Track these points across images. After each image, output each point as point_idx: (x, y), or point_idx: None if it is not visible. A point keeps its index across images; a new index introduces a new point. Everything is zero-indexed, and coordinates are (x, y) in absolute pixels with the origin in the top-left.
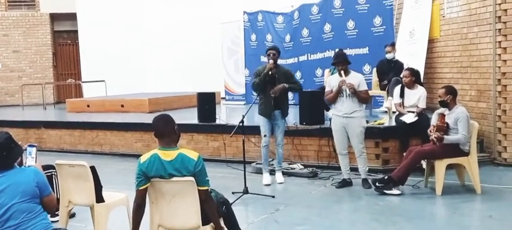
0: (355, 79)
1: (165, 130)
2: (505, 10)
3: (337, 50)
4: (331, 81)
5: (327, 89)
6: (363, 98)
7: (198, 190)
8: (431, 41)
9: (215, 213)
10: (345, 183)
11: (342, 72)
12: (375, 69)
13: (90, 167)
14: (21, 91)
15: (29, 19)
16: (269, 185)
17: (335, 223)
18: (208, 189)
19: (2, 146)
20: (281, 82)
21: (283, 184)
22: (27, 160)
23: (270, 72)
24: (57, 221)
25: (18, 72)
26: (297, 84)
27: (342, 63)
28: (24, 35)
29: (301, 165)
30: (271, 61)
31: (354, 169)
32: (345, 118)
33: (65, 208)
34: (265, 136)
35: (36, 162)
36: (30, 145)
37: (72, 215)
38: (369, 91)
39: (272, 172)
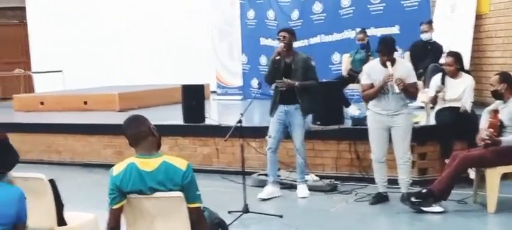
0: (403, 70)
1: (139, 133)
2: None
3: (358, 29)
4: (371, 71)
5: (364, 81)
6: (412, 93)
7: (188, 208)
8: (478, 17)
9: None
10: (381, 198)
11: (389, 63)
12: (407, 53)
13: (49, 180)
14: None
15: None
16: (265, 200)
17: None
18: (200, 207)
19: None
20: (298, 73)
21: (297, 200)
22: None
23: (276, 57)
24: None
25: None
26: (314, 80)
27: (388, 52)
28: None
29: (316, 175)
30: (281, 44)
31: (390, 181)
32: (389, 117)
33: None
34: (269, 137)
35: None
36: None
37: None
38: None
39: (285, 185)
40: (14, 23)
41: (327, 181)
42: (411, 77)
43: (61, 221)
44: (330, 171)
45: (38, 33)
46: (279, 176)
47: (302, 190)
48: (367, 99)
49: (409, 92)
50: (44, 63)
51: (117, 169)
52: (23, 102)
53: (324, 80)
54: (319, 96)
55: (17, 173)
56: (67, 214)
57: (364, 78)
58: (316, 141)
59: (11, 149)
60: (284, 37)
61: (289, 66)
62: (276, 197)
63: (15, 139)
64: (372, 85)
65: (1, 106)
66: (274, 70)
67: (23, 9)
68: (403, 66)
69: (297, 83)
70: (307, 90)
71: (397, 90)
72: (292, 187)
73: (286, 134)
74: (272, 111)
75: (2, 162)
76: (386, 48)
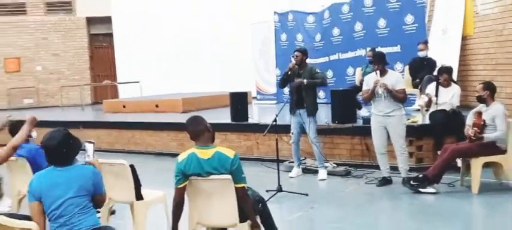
0: (391, 78)
1: (198, 130)
2: None
3: (368, 48)
4: (369, 80)
5: (364, 88)
6: (399, 98)
7: (235, 187)
8: (465, 38)
9: (252, 210)
10: (386, 181)
11: (378, 72)
12: (406, 67)
13: (130, 165)
14: (60, 93)
15: (67, 23)
16: (293, 177)
17: (369, 222)
18: (245, 186)
19: (61, 143)
20: (307, 79)
21: (319, 182)
22: (85, 156)
23: (289, 72)
24: (99, 217)
25: (57, 74)
26: (321, 79)
27: (377, 63)
28: (63, 38)
29: (334, 163)
30: (293, 62)
31: (394, 168)
32: (384, 117)
33: (106, 205)
34: (292, 133)
35: (93, 158)
36: (87, 142)
37: (112, 212)
38: None
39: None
40: (104, 46)
41: (343, 167)
42: (399, 84)
43: (139, 197)
44: (345, 159)
45: (122, 53)
46: (305, 163)
47: (322, 174)
48: (365, 100)
49: (397, 97)
50: (126, 75)
51: (181, 157)
52: (110, 105)
53: (341, 88)
54: (337, 101)
55: (104, 160)
56: (143, 191)
57: (364, 85)
58: (335, 135)
59: (74, 138)
60: (297, 56)
61: (300, 75)
62: (300, 176)
63: (104, 134)
64: (368, 90)
65: (94, 109)
66: (285, 79)
67: (110, 35)
68: (392, 75)
69: (305, 81)
70: (316, 85)
71: (379, 91)
72: (316, 172)
73: (303, 130)
74: (291, 111)
75: (74, 150)
76: (376, 59)
